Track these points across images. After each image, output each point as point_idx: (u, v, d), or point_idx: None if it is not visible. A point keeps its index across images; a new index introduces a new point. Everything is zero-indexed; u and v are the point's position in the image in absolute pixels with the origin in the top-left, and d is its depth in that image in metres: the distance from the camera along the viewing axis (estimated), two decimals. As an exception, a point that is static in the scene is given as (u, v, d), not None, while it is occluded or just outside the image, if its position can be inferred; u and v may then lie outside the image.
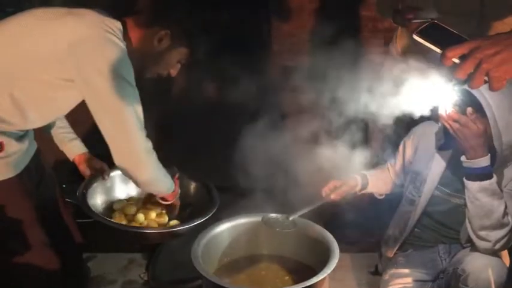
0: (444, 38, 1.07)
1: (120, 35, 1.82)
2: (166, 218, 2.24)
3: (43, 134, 2.17)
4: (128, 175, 1.94)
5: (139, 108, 1.84)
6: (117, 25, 1.82)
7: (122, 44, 1.80)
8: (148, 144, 1.88)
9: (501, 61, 0.99)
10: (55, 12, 1.82)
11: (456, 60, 1.02)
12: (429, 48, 1.08)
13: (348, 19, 3.06)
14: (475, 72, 1.00)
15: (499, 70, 0.99)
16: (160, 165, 1.97)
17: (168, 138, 3.48)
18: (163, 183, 2.05)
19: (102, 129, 1.82)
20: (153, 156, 1.92)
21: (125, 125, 1.80)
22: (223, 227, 2.19)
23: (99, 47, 1.74)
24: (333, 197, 2.29)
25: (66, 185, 2.31)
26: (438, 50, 1.05)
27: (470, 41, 1.03)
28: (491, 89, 1.02)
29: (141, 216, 2.20)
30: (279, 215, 2.19)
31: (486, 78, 1.00)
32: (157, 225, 2.22)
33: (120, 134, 1.82)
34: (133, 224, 2.20)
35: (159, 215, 2.25)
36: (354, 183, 2.37)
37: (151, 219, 2.23)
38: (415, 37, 1.09)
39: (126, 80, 1.76)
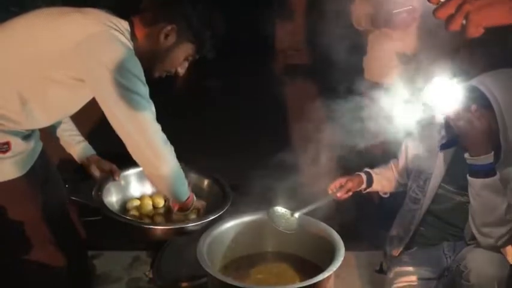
0: None
1: (128, 35, 1.82)
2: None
3: (48, 134, 2.18)
4: (148, 170, 1.94)
5: (151, 104, 1.85)
6: (124, 25, 1.83)
7: (129, 44, 1.80)
8: (164, 136, 1.90)
9: (483, 5, 0.98)
10: (62, 11, 1.82)
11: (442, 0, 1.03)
12: None
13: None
14: (456, 13, 0.99)
15: (479, 13, 0.98)
16: (178, 164, 1.98)
17: (170, 135, 3.49)
18: (181, 185, 2.05)
19: (116, 125, 1.82)
20: (171, 148, 1.93)
21: (140, 119, 1.81)
22: (229, 225, 2.19)
23: (107, 45, 1.74)
24: (339, 194, 2.32)
25: (69, 184, 2.32)
26: None
27: None
28: (466, 33, 1.00)
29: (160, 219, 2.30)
30: (285, 210, 2.19)
31: (464, 22, 0.99)
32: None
33: (135, 128, 1.82)
34: (147, 221, 2.25)
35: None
36: (360, 181, 2.41)
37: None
38: None
39: (136, 75, 1.77)
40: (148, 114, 1.83)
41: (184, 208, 2.17)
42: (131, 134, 1.83)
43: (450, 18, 1.00)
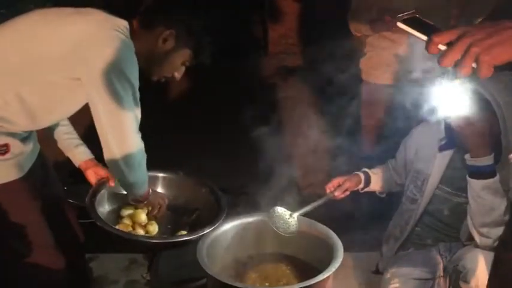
0: (427, 29, 1.02)
1: (128, 34, 1.82)
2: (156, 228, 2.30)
3: (45, 136, 2.17)
4: (117, 174, 1.98)
5: (138, 110, 1.85)
6: (124, 23, 1.83)
7: (130, 42, 1.80)
8: (142, 145, 1.93)
9: (492, 44, 0.92)
10: (62, 12, 1.82)
11: (442, 47, 0.96)
12: (414, 35, 1.03)
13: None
14: (464, 58, 0.93)
15: (489, 54, 0.92)
16: (145, 169, 2.02)
17: (168, 139, 3.49)
18: (145, 187, 2.09)
19: (99, 126, 1.83)
20: (145, 159, 1.96)
21: (122, 126, 1.82)
22: (228, 226, 2.19)
23: (106, 45, 1.74)
24: (336, 194, 2.32)
25: (67, 187, 2.31)
26: (424, 37, 1.00)
27: (458, 27, 0.96)
28: (480, 75, 0.94)
29: (153, 227, 2.26)
30: (284, 210, 2.19)
31: (474, 65, 0.93)
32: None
33: (116, 133, 1.84)
34: (140, 230, 2.22)
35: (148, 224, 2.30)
36: (357, 181, 2.41)
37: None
38: (400, 25, 1.06)
39: (130, 80, 1.77)
40: (131, 121, 1.84)
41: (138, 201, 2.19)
42: (110, 138, 1.85)
43: (459, 64, 0.94)
